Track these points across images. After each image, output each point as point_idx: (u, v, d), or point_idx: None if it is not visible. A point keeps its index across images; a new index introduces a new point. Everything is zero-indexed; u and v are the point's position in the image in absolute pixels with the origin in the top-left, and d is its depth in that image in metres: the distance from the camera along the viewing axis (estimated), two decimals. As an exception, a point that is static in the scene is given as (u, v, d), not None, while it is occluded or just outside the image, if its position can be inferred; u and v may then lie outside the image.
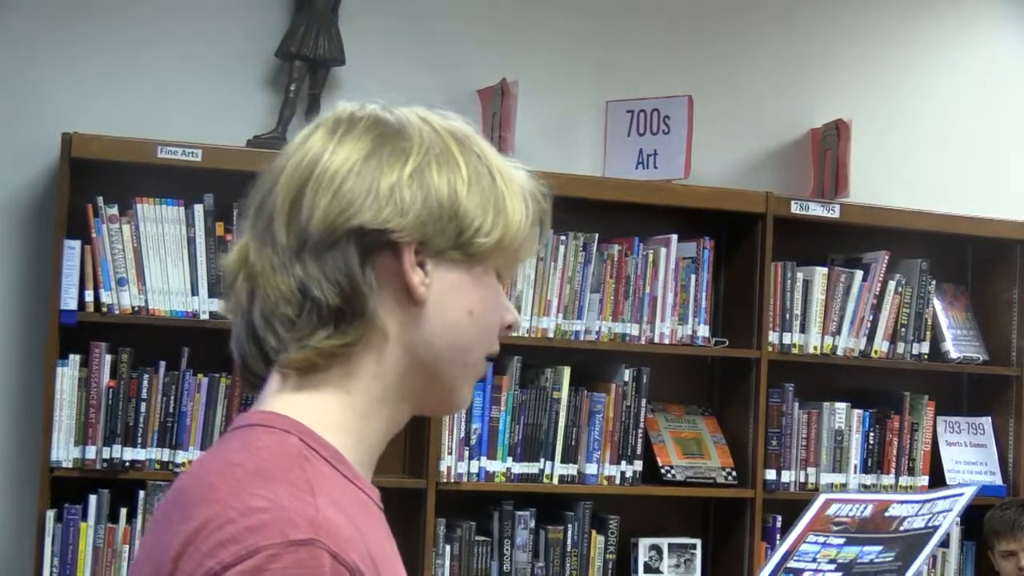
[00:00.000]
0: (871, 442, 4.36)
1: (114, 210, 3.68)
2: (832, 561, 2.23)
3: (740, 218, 4.24)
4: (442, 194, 1.26)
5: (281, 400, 1.26)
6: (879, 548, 2.24)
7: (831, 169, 4.40)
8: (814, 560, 2.22)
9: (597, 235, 4.08)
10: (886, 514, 2.23)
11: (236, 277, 1.29)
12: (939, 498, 2.29)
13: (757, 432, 4.19)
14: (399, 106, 1.32)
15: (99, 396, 3.64)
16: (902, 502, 2.24)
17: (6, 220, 3.87)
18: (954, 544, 4.44)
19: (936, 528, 2.28)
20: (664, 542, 4.20)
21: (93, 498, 3.65)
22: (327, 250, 1.24)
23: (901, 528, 2.24)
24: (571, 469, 4.04)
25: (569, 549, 4.06)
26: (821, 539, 2.20)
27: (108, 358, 3.66)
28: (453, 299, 1.28)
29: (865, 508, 2.22)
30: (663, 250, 4.12)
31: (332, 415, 1.26)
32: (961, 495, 2.30)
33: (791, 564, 2.21)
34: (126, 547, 3.65)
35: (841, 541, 2.22)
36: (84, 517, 3.64)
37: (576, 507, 4.08)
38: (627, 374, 4.10)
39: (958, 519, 2.47)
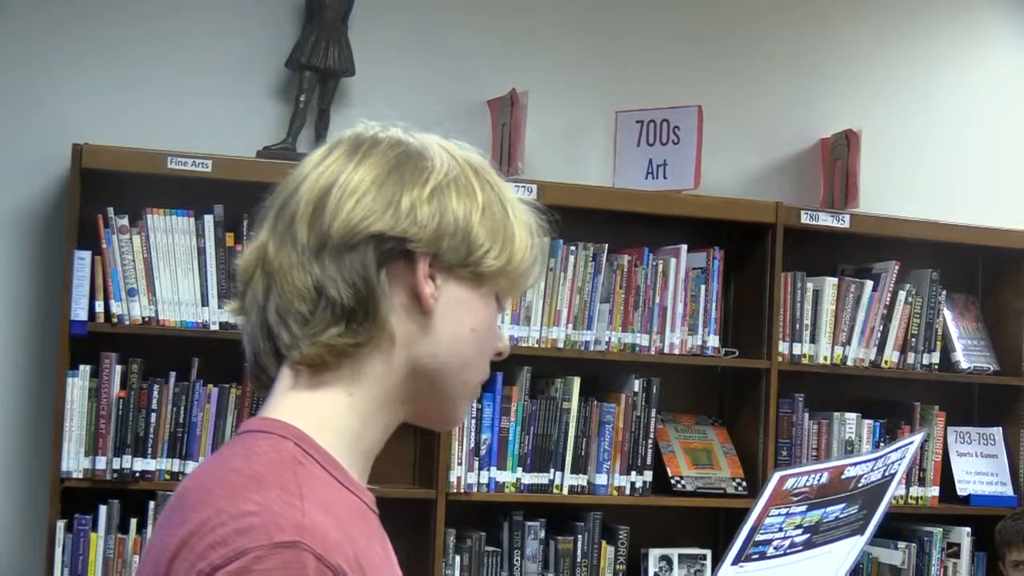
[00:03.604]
0: (881, 452, 4.35)
1: (124, 221, 3.69)
2: (799, 527, 2.26)
3: (750, 228, 4.24)
4: (458, 215, 1.32)
5: (287, 401, 1.32)
6: (842, 505, 2.28)
7: (841, 179, 4.40)
8: (780, 529, 2.24)
9: (607, 245, 4.08)
10: (843, 477, 2.26)
11: (253, 274, 1.34)
12: (891, 451, 2.34)
13: (767, 442, 4.18)
14: (418, 132, 1.38)
15: (109, 406, 3.65)
16: (856, 463, 2.28)
17: (17, 231, 3.88)
18: (965, 555, 4.43)
19: (893, 475, 2.32)
20: (674, 552, 4.20)
21: (103, 508, 3.66)
22: (347, 252, 1.30)
23: (860, 485, 2.27)
24: (581, 479, 4.04)
25: (579, 560, 4.06)
26: (784, 510, 2.23)
27: (118, 368, 3.67)
28: (458, 314, 1.34)
29: (821, 476, 2.25)
30: (673, 260, 4.12)
31: (332, 416, 1.31)
32: (911, 443, 2.34)
33: (758, 537, 2.23)
34: (136, 557, 3.65)
35: (803, 508, 2.25)
36: (94, 527, 3.65)
37: (586, 517, 4.07)
38: (637, 384, 4.10)
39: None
